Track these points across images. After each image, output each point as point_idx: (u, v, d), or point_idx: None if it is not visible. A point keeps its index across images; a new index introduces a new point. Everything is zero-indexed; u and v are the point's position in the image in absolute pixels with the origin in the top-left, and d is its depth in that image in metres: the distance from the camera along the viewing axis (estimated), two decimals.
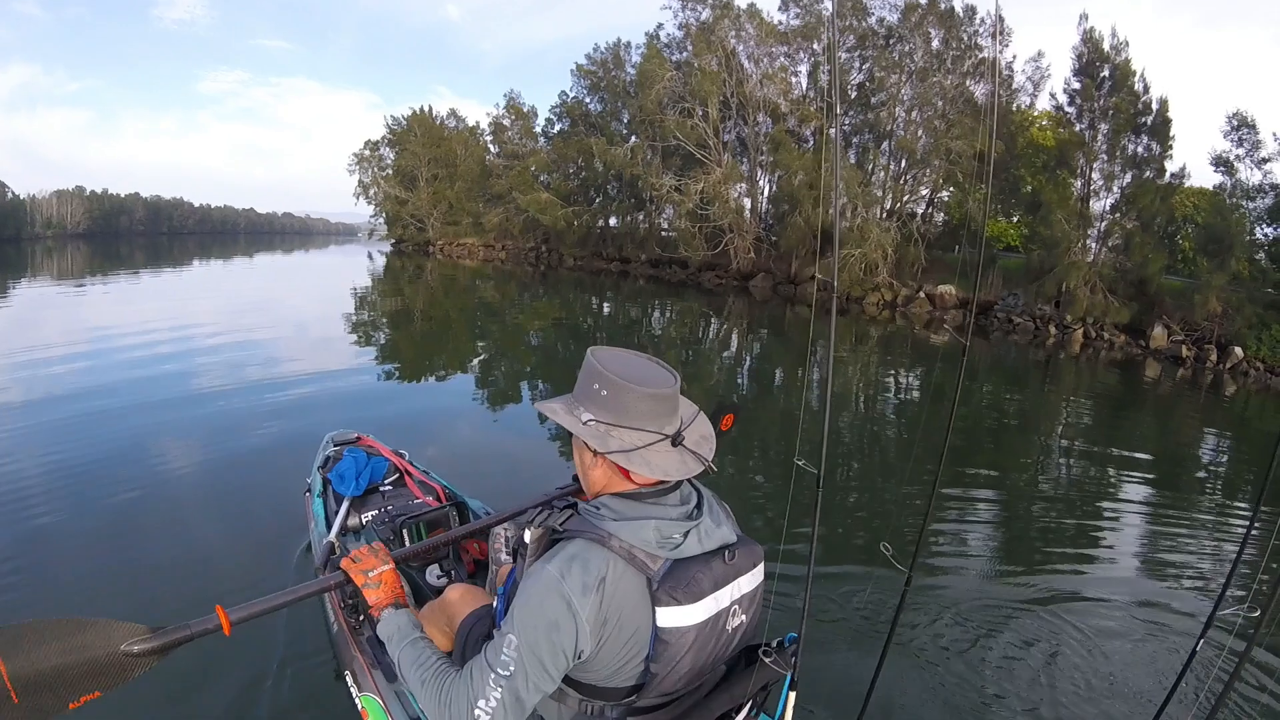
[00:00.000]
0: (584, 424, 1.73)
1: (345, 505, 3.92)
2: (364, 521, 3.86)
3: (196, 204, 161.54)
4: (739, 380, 13.56)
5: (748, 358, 16.47)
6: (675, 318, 24.29)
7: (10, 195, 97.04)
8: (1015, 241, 30.15)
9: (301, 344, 14.15)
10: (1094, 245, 25.29)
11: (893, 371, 15.65)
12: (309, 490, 4.38)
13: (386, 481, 4.22)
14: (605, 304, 27.84)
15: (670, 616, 1.65)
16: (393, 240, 64.86)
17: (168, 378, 10.33)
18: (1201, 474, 9.19)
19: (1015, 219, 31.45)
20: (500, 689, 1.62)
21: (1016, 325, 24.04)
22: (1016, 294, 25.28)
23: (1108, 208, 25.55)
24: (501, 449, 7.79)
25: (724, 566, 1.75)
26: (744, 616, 1.84)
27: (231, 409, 8.68)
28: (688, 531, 1.71)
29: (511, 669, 1.61)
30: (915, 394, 12.55)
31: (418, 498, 4.08)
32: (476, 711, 1.63)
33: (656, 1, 64.88)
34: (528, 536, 1.80)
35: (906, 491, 7.03)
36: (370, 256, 56.02)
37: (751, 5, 34.96)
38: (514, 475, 6.70)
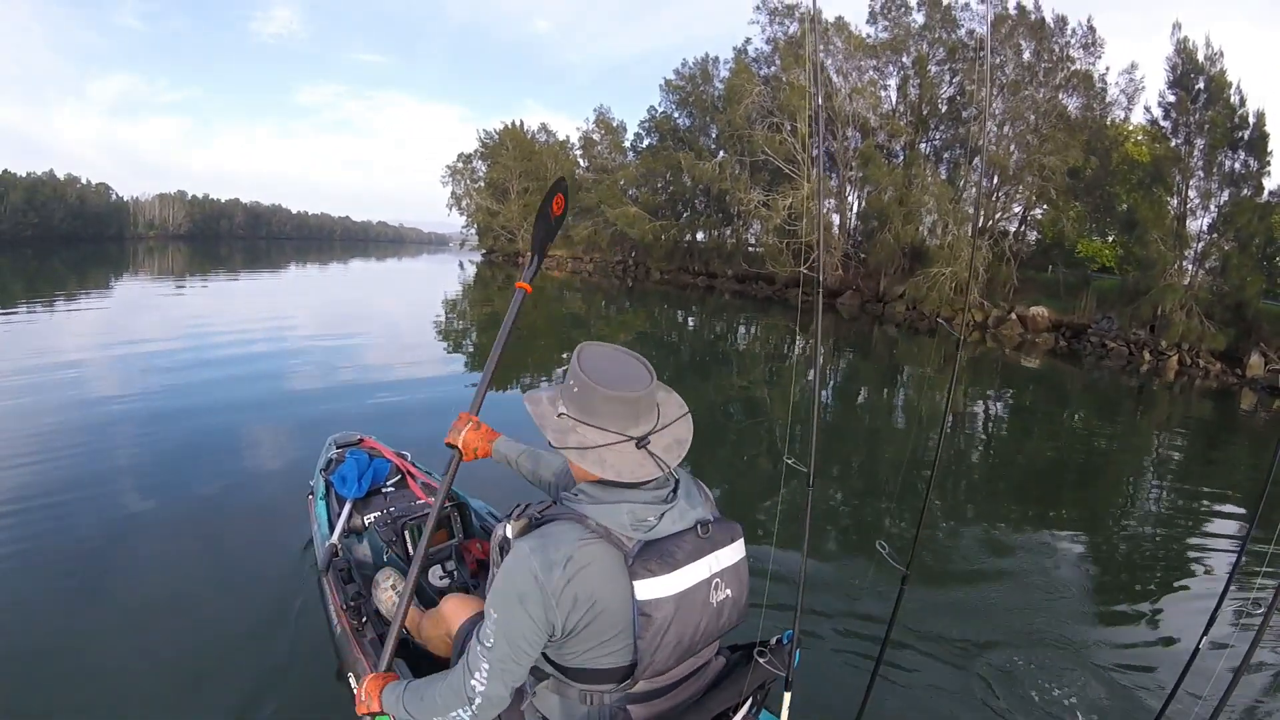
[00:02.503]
0: (556, 416, 1.84)
1: (347, 507, 3.98)
2: (366, 523, 3.89)
3: (294, 210, 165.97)
4: (826, 399, 13.50)
5: (831, 375, 16.35)
6: (760, 334, 24.24)
7: (115, 197, 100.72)
8: (1110, 262, 29.30)
9: (367, 348, 14.40)
10: (1190, 267, 24.35)
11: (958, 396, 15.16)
12: (311, 493, 4.42)
13: (389, 483, 4.28)
14: (690, 318, 27.85)
15: (648, 589, 1.69)
16: (484, 250, 65.88)
17: (183, 378, 10.54)
18: (1212, 477, 9.06)
19: (1110, 239, 30.58)
20: (486, 660, 1.75)
21: (1110, 350, 23.32)
22: (1110, 317, 24.58)
23: (1204, 227, 24.58)
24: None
25: (698, 539, 1.80)
26: (729, 590, 1.87)
27: (238, 412, 8.78)
28: (662, 514, 1.78)
29: (492, 641, 1.74)
30: (926, 400, 12.39)
31: (420, 499, 4.14)
32: (473, 683, 1.78)
33: (741, 15, 64.49)
34: (510, 531, 1.86)
35: (904, 490, 7.06)
36: (461, 265, 57.05)
37: (840, 19, 34.70)
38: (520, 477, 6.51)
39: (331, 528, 3.90)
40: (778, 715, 2.22)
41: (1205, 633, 2.52)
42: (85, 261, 43.21)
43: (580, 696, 1.86)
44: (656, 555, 1.71)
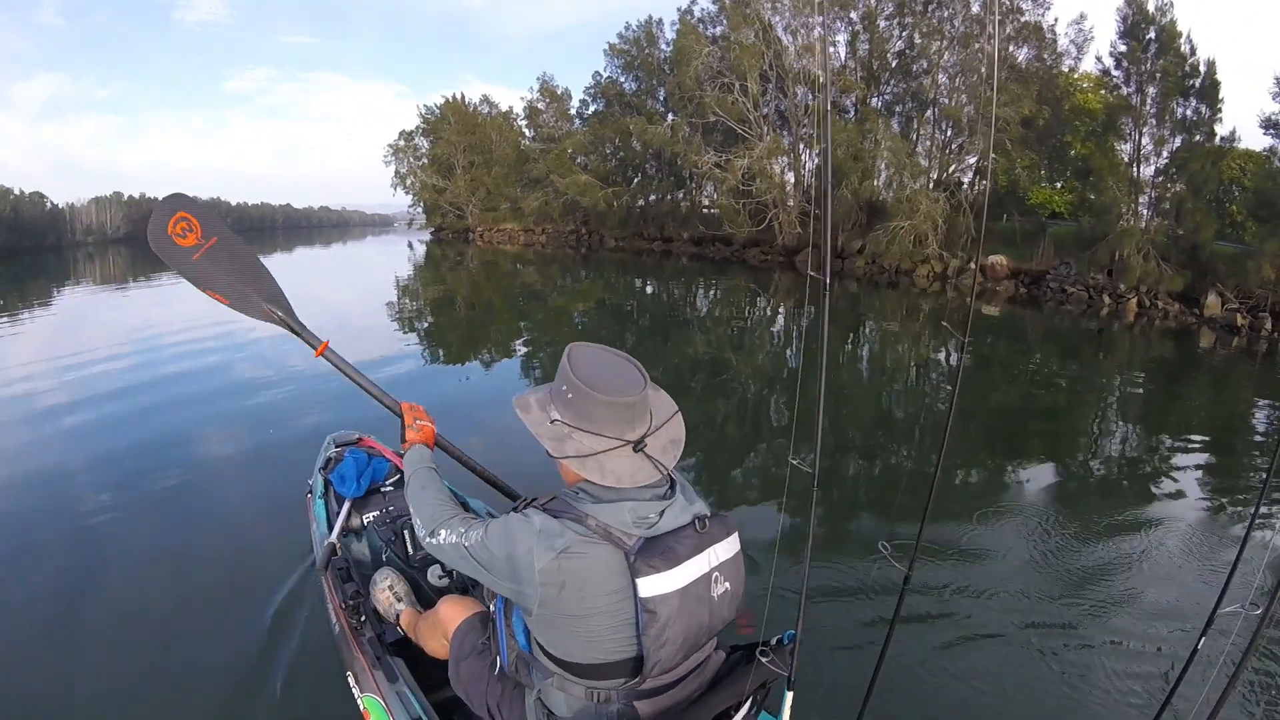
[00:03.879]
0: (550, 423, 1.82)
1: (346, 506, 3.98)
2: (365, 522, 3.93)
3: (234, 203, 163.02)
4: (787, 361, 13.32)
5: (795, 335, 16.23)
6: (720, 296, 24.16)
7: (50, 205, 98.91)
8: (1061, 208, 29.63)
9: (346, 346, 13.99)
10: (1145, 212, 24.78)
11: (928, 351, 15.06)
12: (310, 492, 4.44)
13: (388, 482, 4.27)
14: (648, 284, 27.79)
15: (651, 585, 1.69)
16: (432, 229, 65.23)
17: (176, 379, 10.43)
18: (1220, 462, 8.74)
19: (1060, 185, 30.92)
20: (454, 541, 1.91)
21: (1070, 295, 23.50)
22: (1069, 263, 24.74)
23: (1158, 173, 25.01)
24: (507, 448, 7.51)
25: (697, 535, 1.80)
26: (728, 584, 1.88)
27: (236, 410, 8.74)
28: (663, 510, 1.78)
29: (468, 544, 1.86)
30: (929, 383, 12.33)
31: None
32: (442, 533, 1.96)
33: None
34: None
35: (907, 484, 7.10)
36: (410, 246, 56.29)
37: None
38: (519, 476, 6.28)
39: (330, 527, 3.92)
40: (779, 715, 2.17)
41: (1203, 634, 2.43)
42: (24, 274, 42.10)
43: (587, 694, 1.86)
44: (659, 552, 1.72)
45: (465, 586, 3.33)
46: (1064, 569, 5.37)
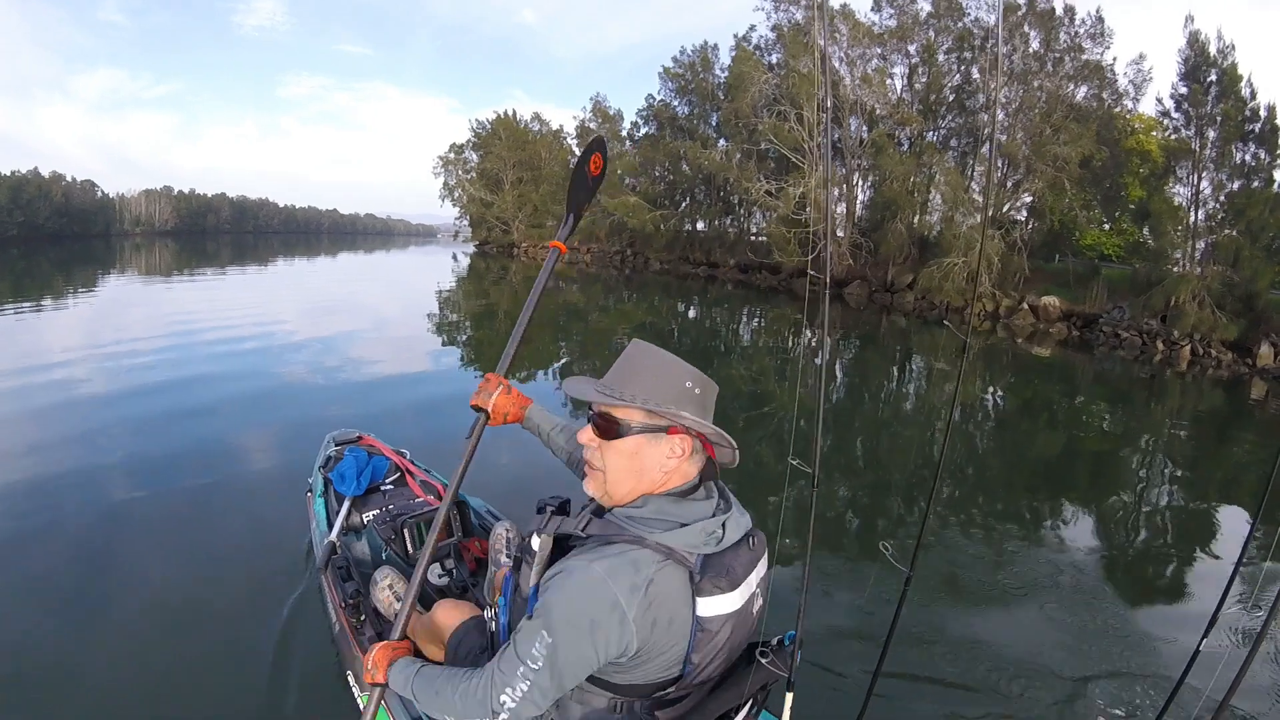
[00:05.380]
0: (646, 413, 1.73)
1: (346, 505, 3.99)
2: (365, 521, 3.93)
3: (281, 204, 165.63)
4: (832, 394, 13.31)
5: (838, 369, 16.15)
6: (765, 324, 24.10)
7: (100, 193, 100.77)
8: (1110, 250, 29.29)
9: (353, 344, 14.33)
10: (1201, 257, 24.41)
11: (973, 390, 14.82)
12: (310, 490, 4.45)
13: (387, 481, 4.30)
14: (691, 308, 27.76)
15: (711, 606, 1.65)
16: (477, 242, 65.69)
17: (179, 375, 10.48)
18: (1219, 471, 9.12)
19: (1108, 227, 30.61)
20: (529, 681, 1.61)
21: (1123, 340, 23.10)
22: (1122, 307, 24.38)
23: (1215, 219, 24.62)
24: (507, 447, 7.34)
25: (749, 552, 1.76)
26: (761, 599, 1.86)
27: (235, 408, 8.73)
28: (724, 522, 1.72)
29: (540, 663, 1.60)
30: (933, 397, 12.42)
31: (419, 497, 4.15)
32: (503, 698, 1.64)
33: (728, 6, 64.54)
34: (535, 544, 1.79)
35: (909, 490, 7.17)
36: (455, 258, 57.00)
37: (845, 6, 34.56)
38: (518, 474, 6.48)
39: (330, 525, 3.94)
40: (779, 716, 2.21)
41: (1205, 634, 2.47)
42: (72, 260, 43.42)
43: (610, 705, 1.79)
44: (721, 571, 1.67)
45: (466, 585, 3.40)
46: (1067, 569, 5.46)
